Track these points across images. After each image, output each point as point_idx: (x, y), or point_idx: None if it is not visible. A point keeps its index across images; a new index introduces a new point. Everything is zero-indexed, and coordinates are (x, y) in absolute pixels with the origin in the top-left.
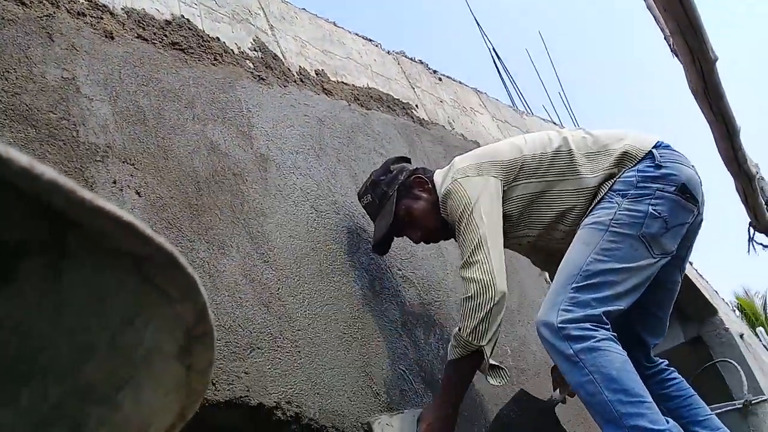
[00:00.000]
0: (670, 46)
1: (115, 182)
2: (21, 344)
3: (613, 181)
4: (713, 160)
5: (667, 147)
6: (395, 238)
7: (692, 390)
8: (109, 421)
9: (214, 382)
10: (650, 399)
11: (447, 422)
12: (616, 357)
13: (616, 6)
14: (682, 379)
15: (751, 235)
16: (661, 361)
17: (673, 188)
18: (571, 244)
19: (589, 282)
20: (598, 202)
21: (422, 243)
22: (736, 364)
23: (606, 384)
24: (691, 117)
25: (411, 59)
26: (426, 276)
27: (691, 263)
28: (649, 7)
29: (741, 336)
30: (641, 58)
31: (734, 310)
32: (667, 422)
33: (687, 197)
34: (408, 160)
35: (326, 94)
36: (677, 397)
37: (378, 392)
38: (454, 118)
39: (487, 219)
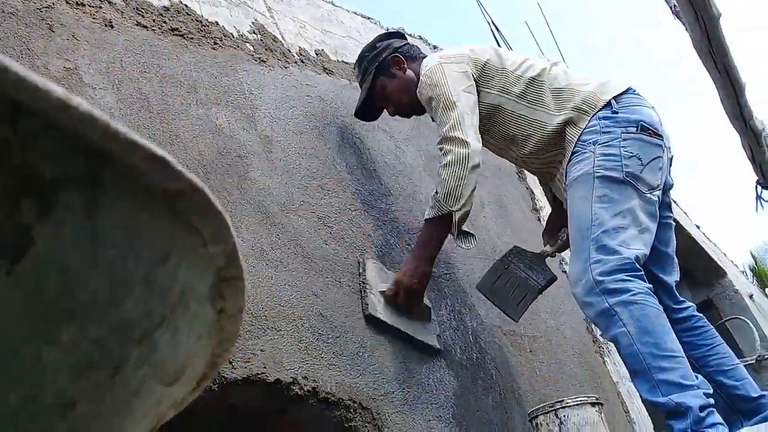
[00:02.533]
0: (671, 7)
1: None
2: (60, 280)
3: (578, 131)
4: (719, 118)
5: (626, 92)
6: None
7: (720, 339)
8: (147, 362)
9: (230, 360)
10: (682, 354)
11: (420, 273)
12: (651, 311)
13: None
14: (711, 327)
15: (758, 193)
16: (689, 304)
17: (635, 128)
18: (569, 204)
19: (604, 230)
20: (572, 155)
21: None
22: (748, 321)
23: (639, 336)
24: (694, 83)
25: (410, 35)
26: None
27: (698, 227)
28: None
29: (750, 296)
30: (642, 26)
31: (744, 272)
32: (697, 378)
33: (650, 133)
34: (400, 36)
35: (327, 73)
36: (703, 345)
37: (394, 365)
38: None
39: (464, 99)
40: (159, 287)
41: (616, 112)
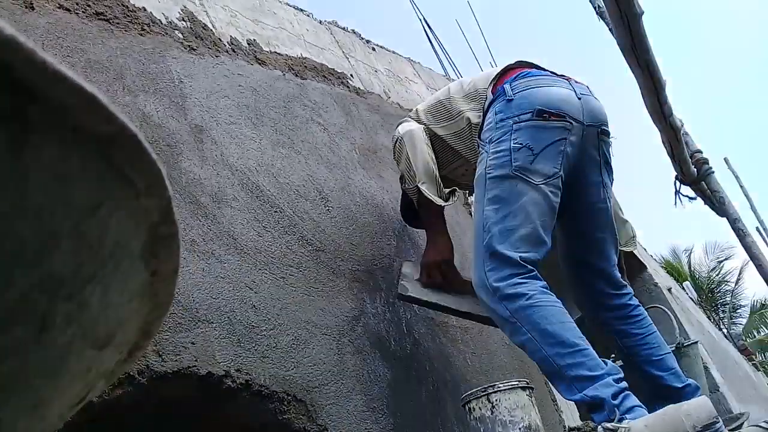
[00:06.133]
0: (596, 8)
1: None
2: None
3: (476, 130)
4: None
5: (524, 75)
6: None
7: (653, 328)
8: (76, 321)
9: (160, 353)
10: (586, 345)
11: (438, 247)
12: (548, 310)
13: None
14: (645, 315)
15: (677, 188)
16: (627, 291)
17: (529, 115)
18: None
19: (492, 234)
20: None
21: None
22: (666, 310)
23: (543, 340)
24: (622, 77)
25: (344, 29)
26: (371, 240)
27: None
28: None
29: (669, 290)
30: (570, 21)
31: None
32: (606, 364)
33: (546, 117)
34: None
35: (260, 64)
36: (634, 335)
37: (328, 357)
38: (389, 87)
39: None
40: (89, 240)
41: (511, 99)
